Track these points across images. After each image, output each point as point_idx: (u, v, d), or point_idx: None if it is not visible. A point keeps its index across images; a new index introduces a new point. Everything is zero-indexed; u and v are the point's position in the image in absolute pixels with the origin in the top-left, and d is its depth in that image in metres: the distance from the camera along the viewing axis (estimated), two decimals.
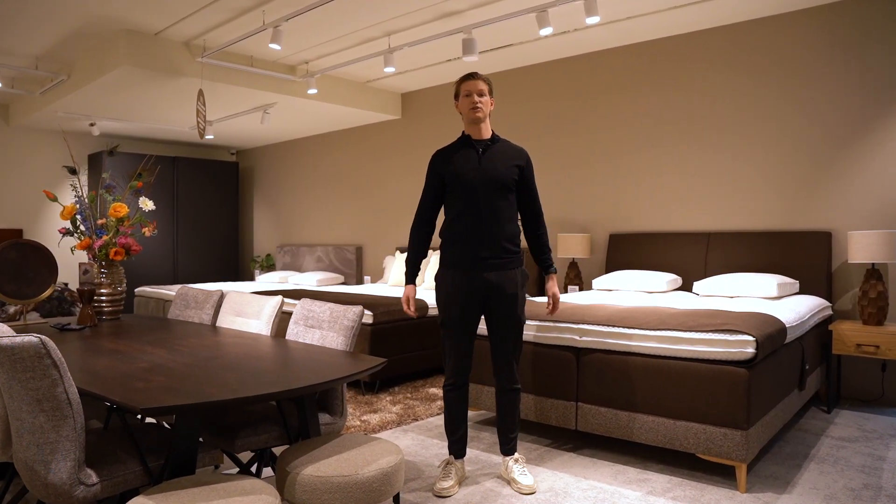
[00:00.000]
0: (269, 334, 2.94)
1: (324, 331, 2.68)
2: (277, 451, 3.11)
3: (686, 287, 5.01)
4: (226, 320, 3.23)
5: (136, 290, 7.43)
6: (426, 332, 5.07)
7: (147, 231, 3.57)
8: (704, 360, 3.02)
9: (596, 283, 5.05)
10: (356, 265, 7.88)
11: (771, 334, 3.06)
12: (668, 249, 5.21)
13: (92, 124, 7.24)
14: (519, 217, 3.04)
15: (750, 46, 4.90)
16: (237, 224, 9.53)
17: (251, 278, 9.68)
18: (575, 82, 5.89)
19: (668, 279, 4.78)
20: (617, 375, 3.29)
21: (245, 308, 3.14)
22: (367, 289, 6.37)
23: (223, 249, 9.38)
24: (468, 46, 4.78)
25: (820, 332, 4.25)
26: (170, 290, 6.85)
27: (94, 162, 8.19)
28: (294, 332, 2.81)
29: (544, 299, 4.27)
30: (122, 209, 3.32)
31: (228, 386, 1.86)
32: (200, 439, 2.55)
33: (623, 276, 4.93)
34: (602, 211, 5.72)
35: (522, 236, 5.06)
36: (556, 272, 3.03)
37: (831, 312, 4.46)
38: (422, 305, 5.05)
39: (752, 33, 4.89)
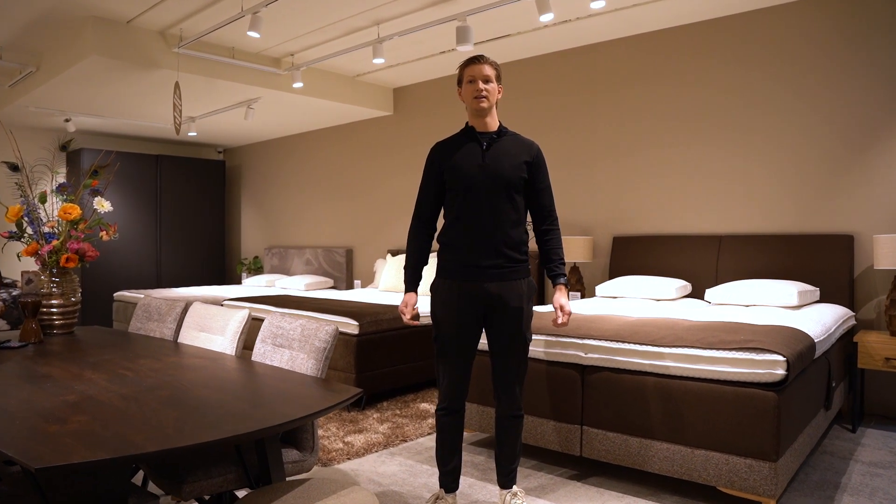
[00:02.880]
0: (233, 353, 2.59)
1: (293, 351, 2.33)
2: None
3: (696, 294, 4.67)
4: (189, 335, 2.88)
5: (115, 294, 7.07)
6: (417, 343, 4.72)
7: (105, 235, 3.22)
8: (727, 382, 2.68)
9: (599, 289, 4.71)
10: (346, 268, 7.53)
11: (801, 352, 2.73)
12: (676, 253, 4.87)
13: (67, 120, 6.87)
14: (529, 220, 2.69)
15: (765, 37, 4.56)
16: (224, 225, 9.17)
17: (238, 282, 9.32)
18: (577, 75, 5.54)
19: (677, 286, 4.44)
20: (627, 397, 2.95)
21: (209, 322, 2.79)
22: (357, 294, 6.02)
23: (209, 252, 9.01)
24: (462, 35, 4.44)
25: (843, 343, 3.92)
26: (149, 296, 6.50)
27: (72, 160, 7.82)
28: (261, 352, 2.46)
29: (548, 308, 3.93)
30: (74, 211, 2.97)
31: (162, 430, 1.51)
32: (149, 485, 2.20)
33: (628, 283, 4.59)
34: (605, 212, 5.38)
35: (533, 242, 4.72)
36: (566, 283, 2.66)
37: (854, 322, 4.12)
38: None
39: (767, 23, 4.55)
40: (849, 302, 4.16)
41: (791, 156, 4.47)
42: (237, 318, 2.63)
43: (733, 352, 2.66)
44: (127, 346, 2.74)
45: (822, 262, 4.25)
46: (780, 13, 4.49)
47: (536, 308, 3.95)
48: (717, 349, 2.70)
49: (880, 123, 4.13)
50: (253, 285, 7.82)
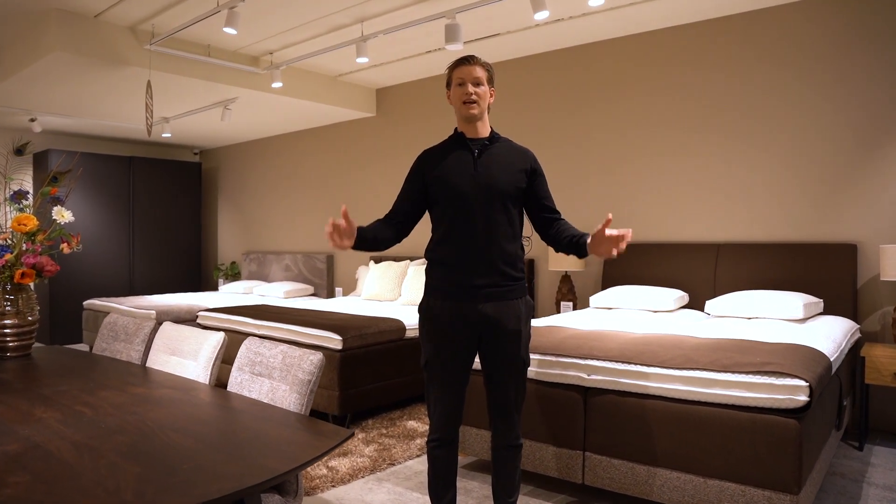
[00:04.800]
0: (207, 382, 2.34)
1: (274, 381, 2.09)
2: None
3: (694, 305, 4.50)
4: (158, 359, 2.62)
5: (84, 302, 6.74)
6: (402, 358, 4.48)
7: (67, 248, 2.95)
8: (743, 408, 2.50)
9: (594, 300, 4.52)
10: (327, 275, 7.27)
11: (821, 375, 2.55)
12: (672, 262, 4.69)
13: (32, 119, 6.53)
14: (524, 235, 2.48)
15: (766, 39, 4.40)
16: (200, 229, 8.85)
17: (214, 288, 9.01)
18: (570, 76, 5.35)
19: (675, 297, 4.27)
20: (633, 421, 2.75)
21: (181, 345, 2.54)
22: (339, 303, 5.77)
23: (184, 257, 8.68)
24: (451, 33, 4.22)
25: (849, 357, 3.76)
26: (121, 305, 6.19)
27: (39, 162, 7.45)
28: (237, 382, 2.21)
29: (546, 323, 3.71)
30: (30, 222, 2.70)
31: (119, 495, 1.28)
32: None
33: (624, 293, 4.40)
34: (598, 218, 5.19)
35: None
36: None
37: (860, 335, 3.98)
38: (399, 327, 4.47)
39: (767, 25, 4.39)
40: (852, 313, 4.01)
41: (792, 162, 4.32)
42: (211, 343, 2.39)
43: (750, 375, 2.47)
44: (89, 372, 2.48)
45: (823, 272, 4.10)
46: (781, 14, 4.33)
47: (534, 322, 3.74)
48: (733, 372, 2.52)
49: (883, 131, 3.99)
50: (230, 292, 7.53)
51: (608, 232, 2.18)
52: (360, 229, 2.29)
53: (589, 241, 2.27)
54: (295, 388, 1.98)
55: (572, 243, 2.35)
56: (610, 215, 2.19)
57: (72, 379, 2.33)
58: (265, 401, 2.07)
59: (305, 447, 1.59)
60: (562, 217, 2.48)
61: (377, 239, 2.36)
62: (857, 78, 4.08)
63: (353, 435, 1.68)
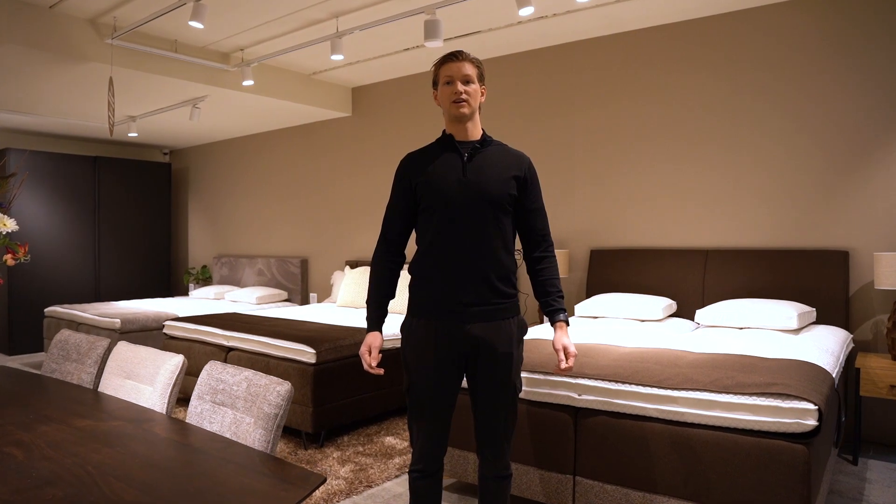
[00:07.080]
0: (164, 410, 2.11)
1: (237, 412, 1.88)
2: None
3: (682, 313, 4.34)
4: (112, 383, 2.39)
5: (45, 310, 6.42)
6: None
7: (11, 259, 2.69)
8: (746, 431, 2.34)
9: (579, 308, 4.34)
10: (301, 280, 7.02)
11: (828, 396, 2.40)
12: (659, 268, 4.54)
13: None
14: (518, 246, 2.29)
15: (757, 40, 4.27)
16: (169, 232, 8.52)
17: (185, 293, 8.69)
18: (553, 74, 5.18)
19: (663, 305, 4.11)
20: (628, 445, 2.58)
21: (136, 368, 2.31)
22: (313, 311, 5.53)
23: (153, 261, 8.36)
24: (431, 29, 4.02)
25: (844, 369, 3.64)
26: (84, 312, 5.89)
27: None
28: (197, 412, 1.99)
29: (538, 334, 3.53)
30: None
31: None
32: None
33: (611, 301, 4.24)
34: (582, 222, 5.03)
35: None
36: (567, 321, 2.25)
37: (853, 345, 3.86)
38: None
39: (758, 25, 4.26)
40: (844, 322, 3.89)
41: (782, 166, 4.19)
42: (169, 367, 2.16)
43: (755, 397, 2.31)
44: (31, 398, 2.23)
45: (814, 279, 3.98)
46: (776, 12, 4.20)
47: (532, 332, 3.54)
48: (735, 394, 2.36)
49: (875, 135, 3.88)
50: (200, 297, 7.24)
51: (561, 357, 2.18)
52: (382, 323, 2.25)
53: (553, 329, 2.24)
54: (260, 423, 1.76)
55: (543, 307, 2.28)
56: (565, 366, 2.18)
57: (9, 409, 2.08)
58: (227, 435, 1.85)
59: (269, 499, 1.38)
60: (551, 252, 2.30)
61: (393, 295, 2.28)
62: (848, 81, 3.96)
63: (324, 481, 1.47)
